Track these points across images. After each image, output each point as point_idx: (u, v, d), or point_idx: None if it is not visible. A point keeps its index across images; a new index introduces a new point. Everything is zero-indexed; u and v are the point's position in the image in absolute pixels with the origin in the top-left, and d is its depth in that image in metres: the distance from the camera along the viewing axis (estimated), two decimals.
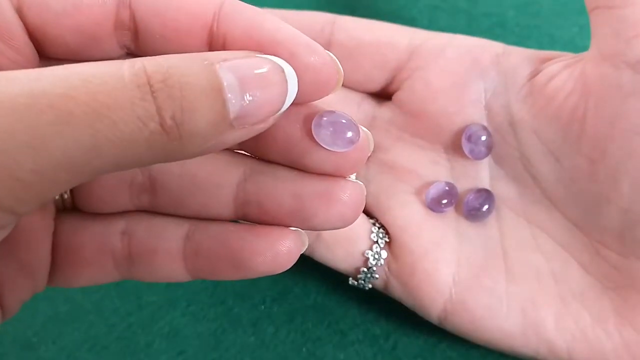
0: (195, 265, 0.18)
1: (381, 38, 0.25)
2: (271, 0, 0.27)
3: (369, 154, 0.17)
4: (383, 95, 0.26)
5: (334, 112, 0.16)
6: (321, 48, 0.15)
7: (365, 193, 0.17)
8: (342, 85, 0.25)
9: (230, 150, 0.18)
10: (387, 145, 0.25)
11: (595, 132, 0.22)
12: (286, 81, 0.14)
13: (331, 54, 0.15)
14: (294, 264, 0.17)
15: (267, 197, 0.17)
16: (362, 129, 0.16)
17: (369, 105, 0.26)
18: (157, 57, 0.13)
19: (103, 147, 0.12)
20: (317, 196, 0.16)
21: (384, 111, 0.26)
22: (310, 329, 0.26)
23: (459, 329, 0.23)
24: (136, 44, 0.16)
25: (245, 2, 0.15)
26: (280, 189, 0.17)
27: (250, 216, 0.17)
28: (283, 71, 0.14)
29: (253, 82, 0.13)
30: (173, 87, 0.12)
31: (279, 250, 0.16)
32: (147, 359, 0.25)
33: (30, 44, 0.15)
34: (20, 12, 0.15)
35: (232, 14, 0.15)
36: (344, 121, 0.16)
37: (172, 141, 0.13)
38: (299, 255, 0.17)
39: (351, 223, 0.17)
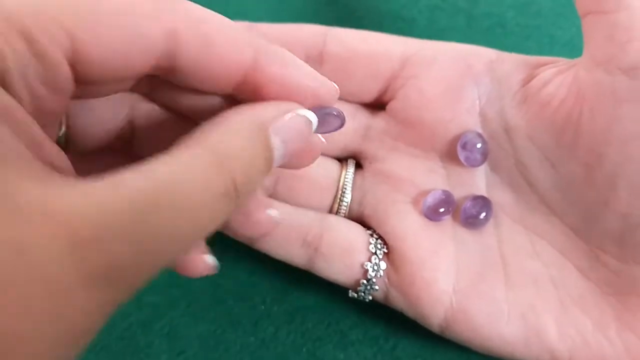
0: None
1: (374, 48, 0.25)
2: (272, 0, 0.27)
3: None
4: (377, 105, 0.26)
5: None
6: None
7: None
8: None
9: None
10: (383, 155, 0.25)
11: (590, 138, 0.22)
12: (312, 130, 0.18)
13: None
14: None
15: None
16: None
17: (363, 116, 0.26)
18: (235, 150, 0.15)
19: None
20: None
21: (378, 121, 0.26)
22: (310, 329, 0.26)
23: (460, 338, 0.23)
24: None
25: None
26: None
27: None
28: (311, 123, 0.17)
29: (294, 141, 0.17)
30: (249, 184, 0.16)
31: None
32: (147, 359, 0.25)
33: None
34: (74, 55, 0.14)
35: (266, 65, 0.17)
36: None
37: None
38: None
39: None
